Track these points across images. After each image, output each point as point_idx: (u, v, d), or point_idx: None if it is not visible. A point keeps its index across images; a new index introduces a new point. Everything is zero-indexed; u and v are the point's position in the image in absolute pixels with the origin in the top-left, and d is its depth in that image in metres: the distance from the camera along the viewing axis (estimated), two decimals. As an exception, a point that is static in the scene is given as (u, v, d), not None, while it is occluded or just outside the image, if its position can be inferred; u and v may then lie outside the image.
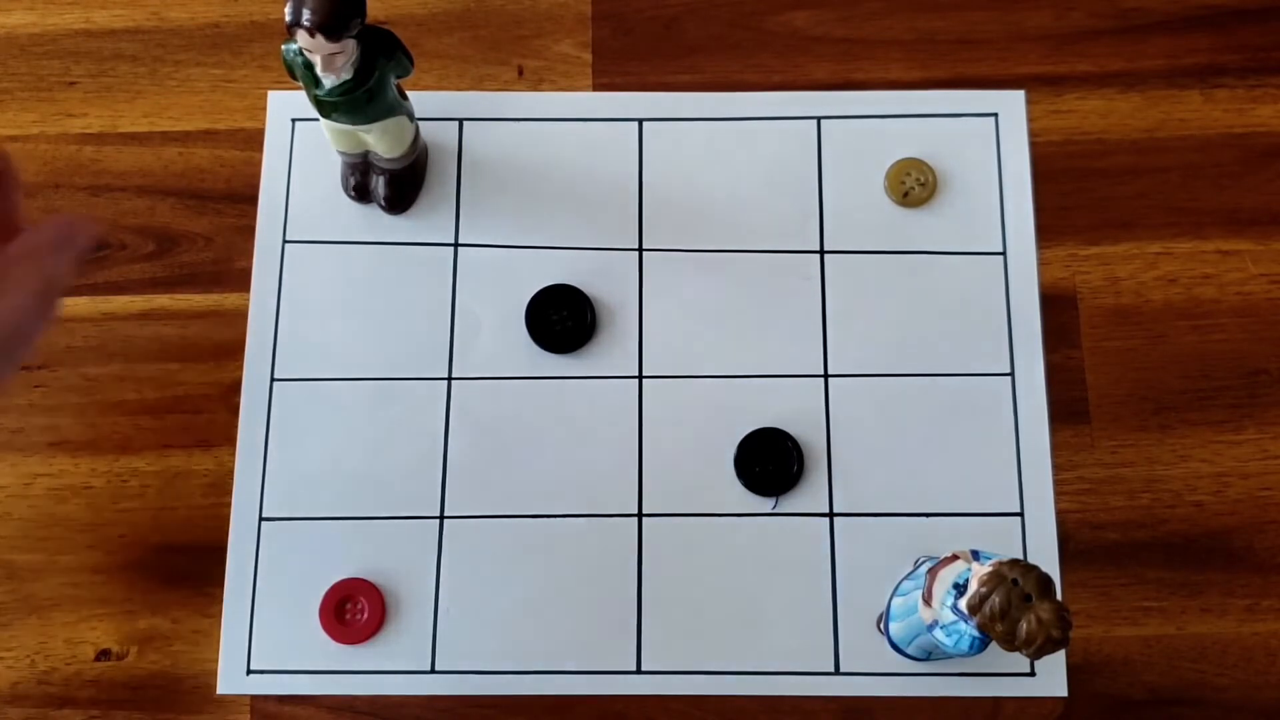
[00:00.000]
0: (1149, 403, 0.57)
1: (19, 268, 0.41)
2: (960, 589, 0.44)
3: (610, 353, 0.57)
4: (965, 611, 0.43)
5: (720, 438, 0.56)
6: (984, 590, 0.42)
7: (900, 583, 0.51)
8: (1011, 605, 0.41)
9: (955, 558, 0.46)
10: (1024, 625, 0.41)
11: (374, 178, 0.58)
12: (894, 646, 0.52)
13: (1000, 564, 0.42)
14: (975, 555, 0.46)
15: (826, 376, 0.57)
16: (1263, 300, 0.58)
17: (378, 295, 0.58)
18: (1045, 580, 0.41)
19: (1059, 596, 0.42)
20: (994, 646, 0.43)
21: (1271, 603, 0.55)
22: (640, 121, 0.61)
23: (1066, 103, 0.61)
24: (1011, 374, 0.57)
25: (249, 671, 0.54)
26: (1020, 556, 0.54)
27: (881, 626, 0.53)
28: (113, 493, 0.57)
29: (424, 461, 0.56)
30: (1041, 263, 0.59)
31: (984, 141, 0.60)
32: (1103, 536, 0.55)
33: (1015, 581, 0.41)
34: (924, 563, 0.50)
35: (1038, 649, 0.40)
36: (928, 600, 0.46)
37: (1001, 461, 0.56)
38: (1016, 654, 0.42)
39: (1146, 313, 0.58)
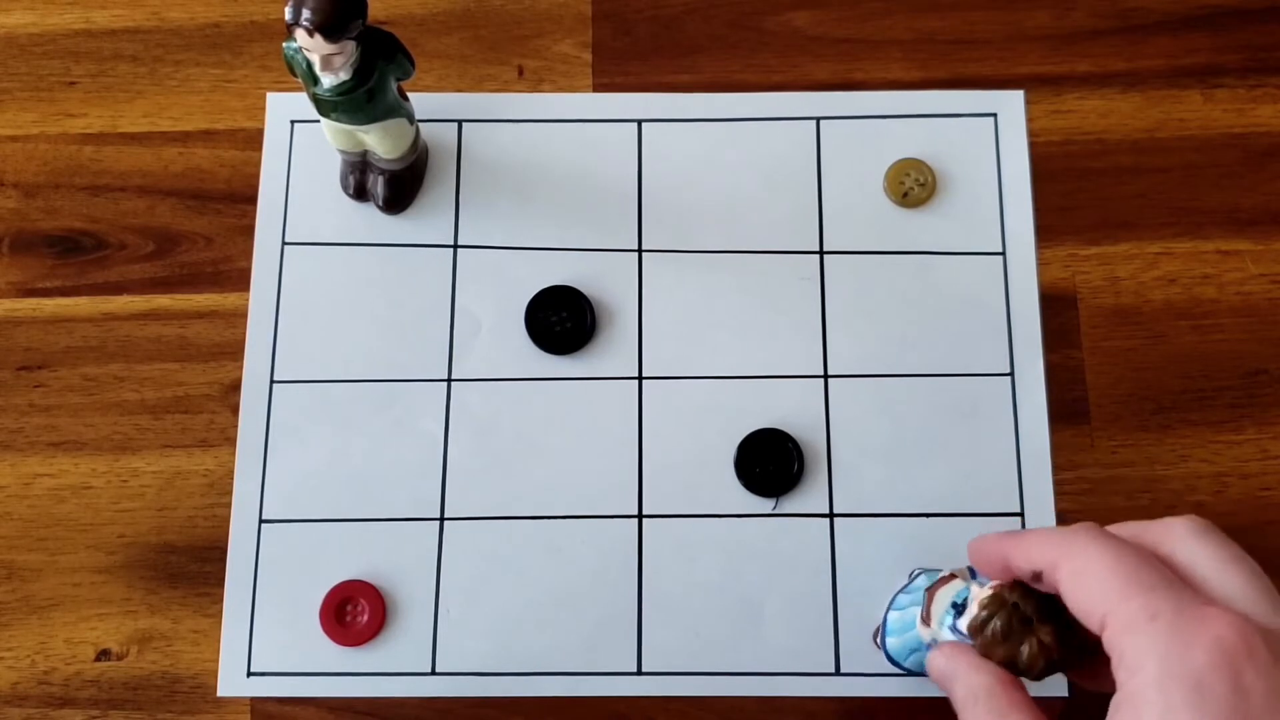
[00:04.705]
0: (1149, 403, 0.57)
1: None
2: (959, 608, 0.44)
3: (610, 354, 0.57)
4: (965, 633, 0.42)
5: (720, 438, 0.56)
6: (984, 614, 0.41)
7: (895, 596, 0.51)
8: (1013, 629, 0.41)
9: (953, 576, 0.46)
10: (1025, 649, 0.40)
11: (372, 177, 0.58)
12: (891, 661, 0.51)
13: (1000, 587, 0.42)
14: (972, 574, 0.46)
15: (826, 377, 0.57)
16: (1263, 300, 0.58)
17: (377, 297, 0.58)
18: (1046, 603, 0.41)
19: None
20: None
21: (1271, 603, 0.55)
22: (640, 122, 0.60)
23: (1066, 103, 0.61)
24: (1011, 374, 0.57)
25: (249, 674, 0.54)
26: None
27: (878, 641, 0.53)
28: (113, 493, 0.57)
29: (423, 463, 0.56)
30: (1041, 263, 0.59)
31: (983, 142, 0.60)
32: (1102, 537, 0.55)
33: (1016, 605, 0.41)
34: (919, 575, 0.50)
35: (1039, 673, 0.40)
36: (926, 621, 0.46)
37: (1001, 461, 0.56)
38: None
39: (1146, 313, 0.58)
